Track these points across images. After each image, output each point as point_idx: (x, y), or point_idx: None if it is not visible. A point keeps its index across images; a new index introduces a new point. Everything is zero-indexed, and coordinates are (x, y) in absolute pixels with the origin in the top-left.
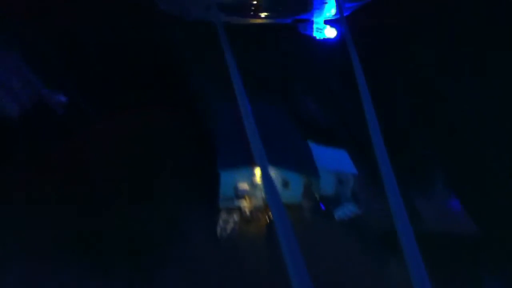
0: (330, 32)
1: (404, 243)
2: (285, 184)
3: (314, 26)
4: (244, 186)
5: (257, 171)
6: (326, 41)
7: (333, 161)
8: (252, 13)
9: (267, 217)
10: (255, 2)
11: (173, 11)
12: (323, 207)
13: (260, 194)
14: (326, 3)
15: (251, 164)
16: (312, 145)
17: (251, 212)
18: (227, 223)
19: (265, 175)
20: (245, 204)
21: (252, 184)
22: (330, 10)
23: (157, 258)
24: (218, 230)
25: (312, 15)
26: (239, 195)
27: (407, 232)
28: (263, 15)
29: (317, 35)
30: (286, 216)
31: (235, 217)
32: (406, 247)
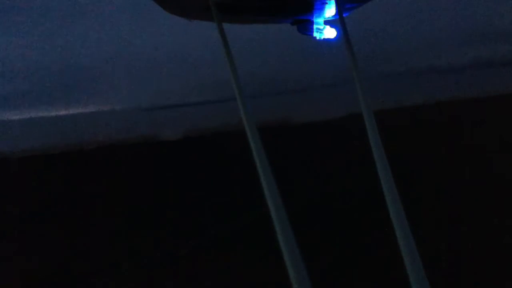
0: (330, 33)
1: (401, 242)
2: None
3: (314, 26)
4: None
5: None
6: (326, 41)
7: None
8: (252, 13)
9: None
10: (255, 3)
11: (175, 12)
12: None
13: None
14: (326, 3)
15: None
16: None
17: None
18: None
19: (265, 173)
20: None
21: None
22: (330, 10)
23: None
24: None
25: (312, 16)
26: None
27: (405, 231)
28: (263, 15)
29: (317, 35)
30: (284, 212)
31: None
32: (404, 247)
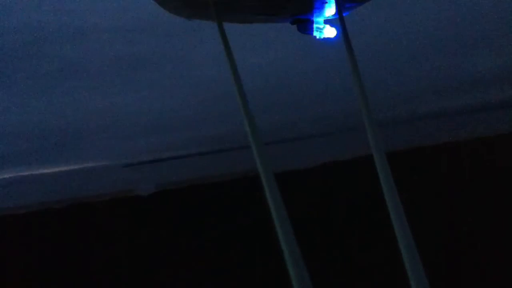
0: (330, 32)
1: (402, 242)
2: None
3: (314, 26)
4: None
5: None
6: (326, 40)
7: None
8: (252, 12)
9: None
10: (255, 2)
11: (175, 12)
12: None
13: None
14: (326, 2)
15: None
16: None
17: None
18: None
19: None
20: None
21: None
22: (330, 9)
23: None
24: None
25: (312, 15)
26: None
27: (405, 231)
28: (263, 14)
29: (317, 34)
30: (285, 213)
31: None
32: (404, 246)
